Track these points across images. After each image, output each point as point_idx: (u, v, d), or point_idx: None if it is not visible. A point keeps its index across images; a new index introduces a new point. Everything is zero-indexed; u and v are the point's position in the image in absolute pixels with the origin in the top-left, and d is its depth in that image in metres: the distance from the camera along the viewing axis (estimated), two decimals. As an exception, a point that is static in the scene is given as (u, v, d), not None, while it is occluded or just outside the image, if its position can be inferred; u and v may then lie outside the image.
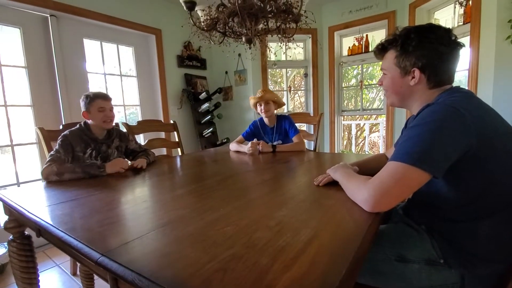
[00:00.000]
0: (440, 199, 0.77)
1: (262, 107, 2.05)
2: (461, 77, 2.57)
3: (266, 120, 2.16)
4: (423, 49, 0.79)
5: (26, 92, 2.16)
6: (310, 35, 3.37)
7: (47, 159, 1.34)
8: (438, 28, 0.80)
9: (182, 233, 0.67)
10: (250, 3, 1.23)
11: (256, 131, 2.21)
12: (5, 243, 1.86)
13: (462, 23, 2.40)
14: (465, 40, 2.33)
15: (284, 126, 2.13)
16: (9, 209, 1.07)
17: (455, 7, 2.48)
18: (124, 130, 2.00)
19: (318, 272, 0.49)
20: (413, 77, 0.82)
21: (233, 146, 2.14)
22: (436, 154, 0.66)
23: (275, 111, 2.17)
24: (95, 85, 2.60)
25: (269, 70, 3.54)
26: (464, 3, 2.36)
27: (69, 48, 2.36)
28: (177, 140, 2.38)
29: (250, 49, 1.49)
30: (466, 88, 2.30)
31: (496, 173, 0.70)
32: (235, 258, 0.54)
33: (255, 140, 2.00)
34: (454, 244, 0.75)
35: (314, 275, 0.48)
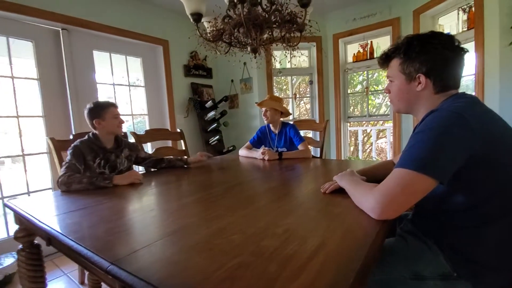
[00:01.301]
0: (446, 203, 0.76)
1: (263, 112, 2.13)
2: (468, 82, 2.55)
3: (271, 126, 2.20)
4: (427, 54, 0.79)
5: (38, 103, 2.22)
6: (315, 43, 3.40)
7: (63, 168, 1.37)
8: (441, 34, 0.81)
9: (190, 241, 0.68)
10: (255, 14, 1.25)
11: (262, 137, 2.26)
12: (13, 253, 1.89)
13: (466, 29, 2.40)
14: (470, 46, 2.32)
15: (288, 134, 2.14)
16: (20, 218, 1.09)
17: (458, 13, 2.49)
18: (132, 139, 2.03)
19: (326, 281, 0.48)
20: (420, 83, 0.82)
21: (242, 152, 2.21)
22: (441, 159, 0.66)
23: (281, 119, 2.19)
24: (104, 95, 2.65)
25: (275, 77, 3.57)
26: (467, 9, 2.36)
27: (79, 60, 2.43)
28: (184, 148, 2.40)
29: (255, 58, 1.52)
30: (473, 93, 2.28)
31: (502, 178, 0.69)
32: (243, 267, 0.54)
33: (263, 146, 2.05)
34: (463, 254, 0.73)
35: (322, 284, 0.47)
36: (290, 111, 3.71)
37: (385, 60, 0.91)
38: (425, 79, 0.81)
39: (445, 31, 2.64)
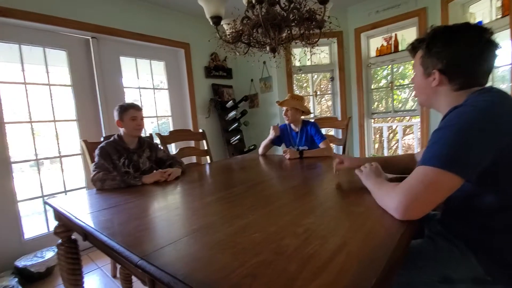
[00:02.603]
0: (477, 203, 0.72)
1: (284, 112, 2.13)
2: (504, 72, 2.38)
3: (292, 124, 2.19)
4: (447, 50, 0.76)
5: (71, 108, 2.38)
6: (336, 38, 3.33)
7: (93, 168, 1.47)
8: (469, 28, 0.76)
9: (212, 239, 0.70)
10: (273, 14, 1.26)
11: (282, 135, 2.26)
12: (54, 247, 2.05)
13: (500, 16, 2.23)
14: (505, 34, 2.16)
15: (309, 132, 2.12)
16: (59, 215, 1.18)
17: (491, 0, 2.31)
18: (157, 140, 2.12)
19: (347, 281, 0.48)
20: (434, 79, 0.80)
21: (261, 148, 2.29)
22: (465, 156, 0.63)
23: (302, 117, 2.18)
24: (130, 98, 2.79)
25: (294, 75, 3.54)
26: (503, -6, 2.20)
27: (107, 66, 2.57)
28: (206, 148, 2.46)
29: (274, 57, 1.52)
30: (510, 84, 2.12)
31: None
32: (264, 264, 0.55)
33: (277, 124, 2.16)
34: (500, 258, 0.69)
35: (343, 284, 0.47)
36: (311, 109, 3.68)
37: (411, 50, 0.89)
38: (440, 76, 0.78)
39: (477, 20, 2.48)
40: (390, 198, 0.74)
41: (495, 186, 0.69)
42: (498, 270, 0.69)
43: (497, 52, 0.76)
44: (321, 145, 2.03)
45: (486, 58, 0.75)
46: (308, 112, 2.18)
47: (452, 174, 0.63)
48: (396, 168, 1.14)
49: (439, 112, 0.85)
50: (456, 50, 0.75)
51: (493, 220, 0.70)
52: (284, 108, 2.12)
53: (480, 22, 2.41)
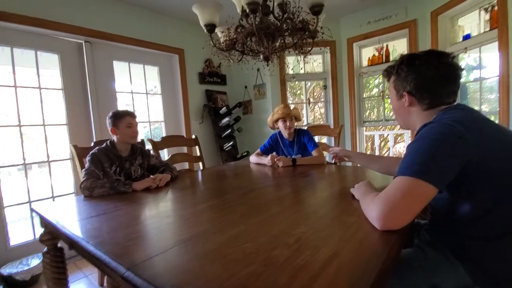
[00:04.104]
0: (456, 213, 0.76)
1: (287, 123, 2.06)
2: (492, 83, 2.45)
3: (285, 134, 2.16)
4: (411, 74, 0.85)
5: (62, 112, 2.34)
6: (329, 48, 3.38)
7: (83, 174, 1.44)
8: (429, 54, 0.85)
9: (203, 249, 0.69)
10: (267, 23, 1.27)
11: (274, 145, 2.23)
12: (39, 254, 1.99)
13: (488, 29, 2.31)
14: (493, 46, 2.23)
15: (303, 141, 2.12)
16: (45, 223, 1.15)
17: (480, 13, 2.40)
18: (149, 146, 2.09)
19: (337, 293, 0.48)
20: (405, 100, 0.89)
21: (253, 159, 2.21)
22: (435, 166, 0.68)
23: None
24: (123, 103, 2.76)
25: (288, 83, 3.58)
26: (490, 8, 2.28)
27: (100, 70, 2.55)
28: (198, 154, 2.44)
29: (267, 65, 1.53)
30: (498, 95, 2.18)
31: (503, 184, 0.68)
32: (254, 276, 0.55)
33: (274, 153, 2.03)
34: (482, 267, 0.71)
35: (333, 296, 0.47)
36: (304, 116, 3.70)
37: (385, 76, 0.98)
38: (409, 97, 0.87)
39: (465, 32, 2.56)
40: (370, 208, 0.75)
41: (470, 196, 0.72)
42: (483, 278, 0.70)
43: (460, 73, 0.84)
44: (314, 153, 2.04)
45: (448, 80, 0.83)
46: (300, 118, 2.19)
47: (425, 182, 0.66)
48: (382, 165, 1.28)
49: None
50: (420, 74, 0.84)
51: (473, 229, 0.73)
52: (287, 120, 2.06)
53: (468, 36, 2.49)
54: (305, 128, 2.61)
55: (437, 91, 0.84)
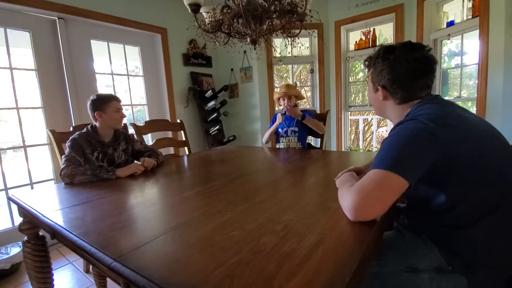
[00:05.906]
0: (430, 204, 0.79)
1: (286, 101, 2.18)
2: (471, 70, 2.52)
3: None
4: (386, 69, 0.86)
5: (36, 94, 2.20)
6: (316, 30, 3.33)
7: (63, 161, 1.38)
8: (403, 46, 0.85)
9: (191, 237, 0.69)
10: (254, 5, 1.22)
11: (275, 119, 2.33)
12: (19, 243, 1.93)
13: (470, 17, 2.34)
14: (474, 34, 2.28)
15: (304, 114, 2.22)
16: (24, 212, 1.11)
17: (463, 1, 2.42)
18: (132, 130, 2.03)
19: (322, 280, 0.50)
20: (380, 94, 0.91)
21: (265, 136, 2.31)
22: (406, 161, 0.70)
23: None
24: (102, 85, 2.64)
25: (275, 66, 3.53)
26: (473, -4, 2.30)
27: (77, 49, 2.40)
28: (184, 139, 2.40)
29: (255, 49, 1.49)
30: (477, 81, 2.26)
31: (473, 178, 0.72)
32: (242, 264, 0.56)
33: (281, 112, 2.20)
34: (455, 252, 0.76)
35: (319, 283, 0.49)
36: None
37: (366, 67, 0.98)
38: (383, 91, 0.89)
39: (449, 19, 2.58)
40: (345, 198, 0.76)
41: (442, 189, 0.76)
42: (456, 261, 0.75)
43: (434, 66, 0.84)
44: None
45: (420, 74, 0.84)
46: (303, 97, 2.31)
47: (397, 175, 0.68)
48: None
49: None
50: (392, 70, 0.85)
51: (446, 218, 0.77)
52: (286, 99, 2.15)
53: (452, 22, 2.51)
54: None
55: (409, 86, 0.85)
